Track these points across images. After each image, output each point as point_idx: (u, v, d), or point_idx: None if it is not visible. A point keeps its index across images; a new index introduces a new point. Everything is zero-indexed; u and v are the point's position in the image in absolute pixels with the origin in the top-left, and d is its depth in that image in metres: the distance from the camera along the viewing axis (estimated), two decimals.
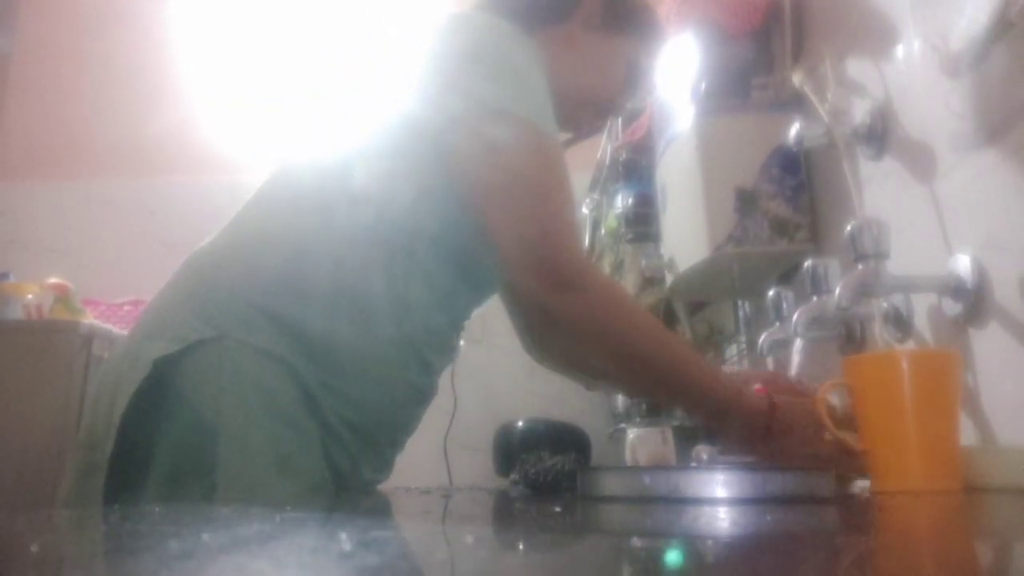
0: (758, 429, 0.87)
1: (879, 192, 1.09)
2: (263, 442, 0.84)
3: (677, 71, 1.40)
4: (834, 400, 0.91)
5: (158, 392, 0.84)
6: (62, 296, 2.19)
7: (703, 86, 1.34)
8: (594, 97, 1.12)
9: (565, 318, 0.86)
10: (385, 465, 1.04)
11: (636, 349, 0.89)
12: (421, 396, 1.03)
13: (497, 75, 0.93)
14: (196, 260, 0.99)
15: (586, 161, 2.27)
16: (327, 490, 0.90)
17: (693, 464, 1.06)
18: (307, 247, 0.93)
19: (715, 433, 0.92)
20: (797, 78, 1.25)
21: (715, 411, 0.89)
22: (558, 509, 0.68)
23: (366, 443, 0.96)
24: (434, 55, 0.99)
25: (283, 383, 0.87)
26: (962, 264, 0.88)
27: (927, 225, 0.96)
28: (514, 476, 1.10)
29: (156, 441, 0.84)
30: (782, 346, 1.15)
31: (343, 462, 0.92)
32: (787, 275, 1.32)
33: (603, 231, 2.02)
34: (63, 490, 0.91)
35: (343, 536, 0.40)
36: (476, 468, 2.35)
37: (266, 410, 0.85)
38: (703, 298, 1.71)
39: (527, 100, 0.92)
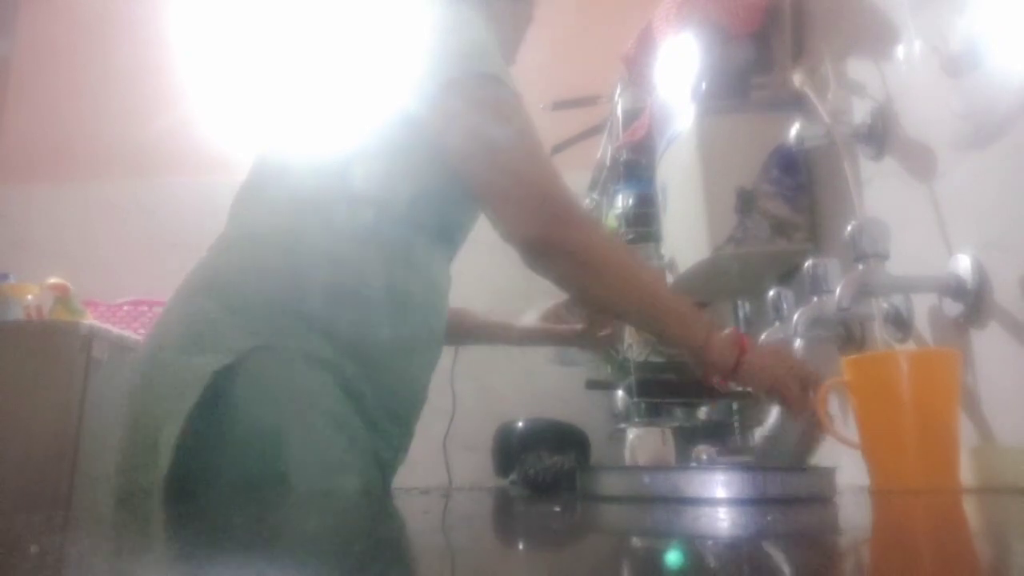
0: (731, 354, 0.94)
1: (879, 192, 1.09)
2: (325, 448, 0.89)
3: (677, 71, 1.40)
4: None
5: (211, 401, 0.85)
6: (62, 297, 2.19)
7: (703, 86, 1.34)
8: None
9: (562, 248, 0.92)
10: (409, 442, 1.09)
11: (628, 273, 0.95)
12: (434, 370, 1.10)
13: (477, 49, 0.98)
14: (212, 268, 1.00)
15: (586, 161, 2.27)
16: (377, 485, 0.96)
17: (693, 464, 1.06)
18: (332, 249, 0.96)
19: (693, 357, 1.00)
20: (797, 78, 1.25)
21: (692, 337, 0.96)
22: (558, 509, 0.68)
23: (404, 428, 1.03)
24: (423, 45, 1.02)
25: (329, 386, 0.91)
26: (962, 264, 0.88)
27: (927, 225, 0.96)
28: (514, 476, 1.10)
29: (220, 451, 0.86)
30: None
31: (387, 453, 0.99)
32: (787, 275, 1.32)
33: None
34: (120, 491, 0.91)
35: (343, 537, 0.40)
36: (476, 468, 2.35)
37: (322, 416, 0.90)
38: (703, 298, 1.71)
39: (497, 63, 0.98)
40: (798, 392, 0.94)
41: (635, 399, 1.66)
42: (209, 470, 0.85)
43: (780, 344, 1.05)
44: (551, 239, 0.91)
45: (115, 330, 2.22)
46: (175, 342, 0.92)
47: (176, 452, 0.83)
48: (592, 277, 0.95)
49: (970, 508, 0.64)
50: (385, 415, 0.97)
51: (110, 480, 0.91)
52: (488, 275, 1.88)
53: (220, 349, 0.87)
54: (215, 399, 0.85)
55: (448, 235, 1.08)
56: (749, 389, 1.02)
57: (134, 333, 2.34)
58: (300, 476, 0.86)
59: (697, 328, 0.96)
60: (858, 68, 1.15)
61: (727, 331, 0.98)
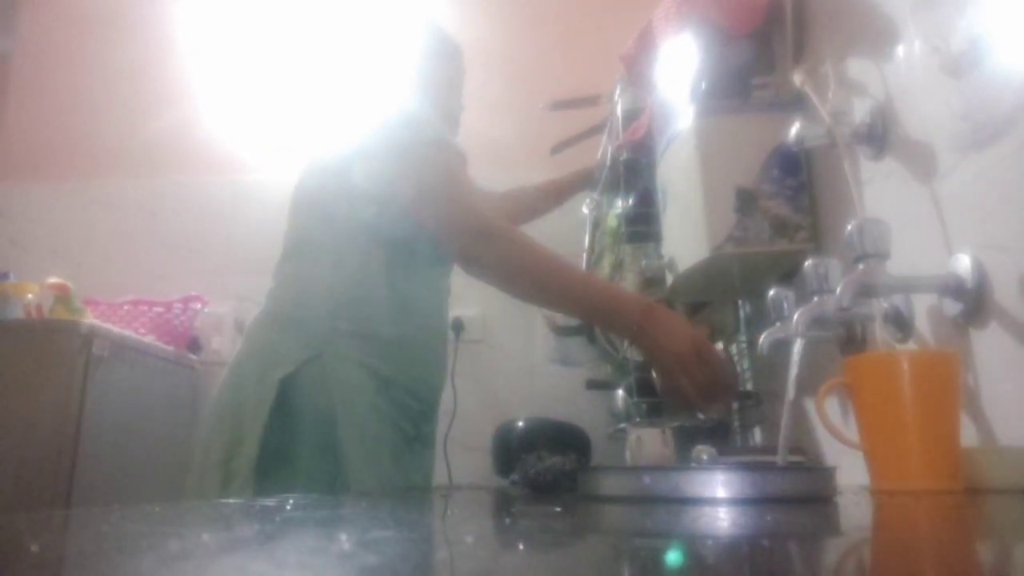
0: (635, 315, 1.13)
1: (879, 192, 1.09)
2: (368, 428, 1.22)
3: (677, 71, 1.40)
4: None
5: (281, 404, 1.18)
6: (62, 296, 2.19)
7: (703, 86, 1.33)
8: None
9: (485, 257, 1.19)
10: (435, 419, 1.43)
11: (541, 275, 1.19)
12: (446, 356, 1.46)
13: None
14: (274, 306, 1.32)
15: (586, 161, 2.27)
16: (404, 461, 1.28)
17: (693, 464, 1.06)
18: (370, 274, 1.27)
19: (606, 328, 1.37)
20: (797, 78, 1.24)
21: (601, 309, 1.19)
22: (558, 509, 0.68)
23: (427, 406, 1.37)
24: (425, 55, 1.49)
25: (367, 380, 1.23)
26: (962, 264, 0.88)
27: (927, 225, 0.96)
28: (514, 476, 1.10)
29: (294, 439, 1.17)
30: (782, 346, 1.15)
31: (412, 430, 1.31)
32: (787, 275, 1.32)
33: (603, 231, 2.02)
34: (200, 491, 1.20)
35: (343, 536, 0.40)
36: (476, 468, 2.34)
37: (364, 405, 1.22)
38: (703, 298, 1.71)
39: (441, 132, 1.32)
40: (694, 390, 1.09)
41: (635, 399, 1.66)
42: (286, 454, 1.16)
43: (700, 330, 1.15)
44: (469, 253, 1.20)
45: (115, 329, 2.22)
46: (253, 363, 1.24)
47: (260, 443, 1.14)
48: (509, 280, 1.21)
49: (971, 509, 0.64)
50: (409, 396, 1.29)
51: (210, 471, 1.17)
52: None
53: (283, 363, 1.20)
54: (285, 400, 1.18)
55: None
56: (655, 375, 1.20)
57: (134, 332, 2.34)
58: (351, 453, 1.17)
59: (617, 296, 1.20)
60: (858, 68, 1.15)
61: (645, 299, 1.20)
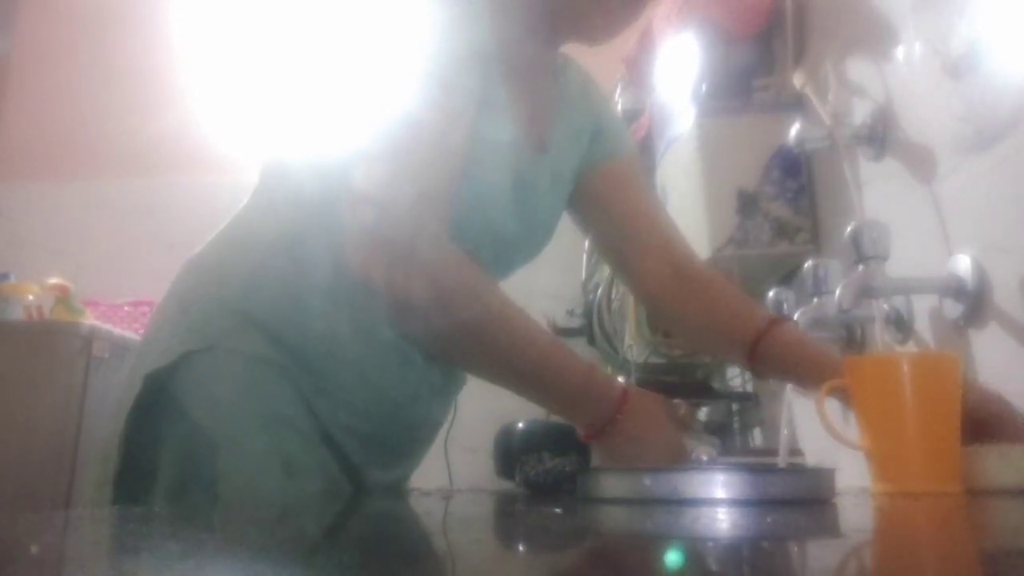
0: (602, 418, 0.87)
1: (880, 194, 1.09)
2: (263, 448, 0.81)
3: (678, 72, 1.40)
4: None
5: (158, 405, 0.82)
6: (62, 297, 2.19)
7: (704, 87, 1.34)
8: None
9: (395, 297, 0.78)
10: (400, 460, 1.00)
11: (475, 336, 0.84)
12: (432, 387, 0.99)
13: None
14: (187, 268, 0.96)
15: None
16: (340, 489, 0.87)
17: (693, 465, 1.06)
18: (289, 250, 0.89)
19: (569, 420, 0.93)
20: (798, 79, 1.25)
21: (564, 400, 0.89)
22: (559, 511, 0.68)
23: (371, 446, 0.91)
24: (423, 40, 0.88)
25: (278, 386, 0.83)
26: (962, 265, 0.88)
27: (927, 226, 0.96)
28: (516, 477, 1.10)
29: (160, 454, 0.81)
30: None
31: (344, 464, 0.89)
32: (788, 276, 1.32)
33: None
34: (83, 497, 0.89)
35: (343, 536, 0.40)
36: (476, 469, 2.34)
37: (264, 415, 0.83)
38: None
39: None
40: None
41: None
42: (148, 475, 0.81)
43: (663, 409, 0.94)
44: (399, 285, 0.77)
45: (116, 330, 2.22)
46: (143, 342, 0.91)
47: (130, 450, 0.81)
48: (447, 337, 0.84)
49: (972, 510, 0.64)
50: (338, 428, 0.87)
51: (87, 486, 0.86)
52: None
53: (160, 351, 0.83)
54: (157, 406, 0.81)
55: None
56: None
57: (135, 333, 2.34)
58: (233, 481, 0.79)
59: (575, 374, 0.87)
60: (859, 69, 1.15)
61: (612, 379, 0.87)
